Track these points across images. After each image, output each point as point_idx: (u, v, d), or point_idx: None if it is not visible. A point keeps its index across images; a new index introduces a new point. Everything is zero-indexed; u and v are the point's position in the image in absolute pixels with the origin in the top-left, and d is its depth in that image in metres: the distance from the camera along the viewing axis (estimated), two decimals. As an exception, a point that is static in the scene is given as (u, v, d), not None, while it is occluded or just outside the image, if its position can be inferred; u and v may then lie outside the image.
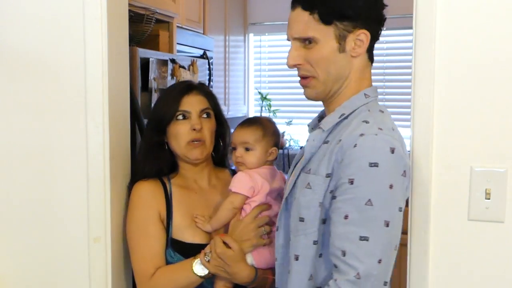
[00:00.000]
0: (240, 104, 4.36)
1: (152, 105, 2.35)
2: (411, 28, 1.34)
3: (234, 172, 1.71)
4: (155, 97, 2.27)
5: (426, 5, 1.31)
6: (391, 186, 1.19)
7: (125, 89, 1.70)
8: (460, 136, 1.30)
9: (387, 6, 1.34)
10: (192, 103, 1.61)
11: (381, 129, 1.23)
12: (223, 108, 3.49)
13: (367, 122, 1.26)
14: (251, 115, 4.56)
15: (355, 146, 1.21)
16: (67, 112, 1.60)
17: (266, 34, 4.48)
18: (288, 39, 1.35)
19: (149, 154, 1.64)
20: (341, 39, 1.28)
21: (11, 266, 1.69)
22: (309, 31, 1.28)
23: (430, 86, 1.31)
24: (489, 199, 1.29)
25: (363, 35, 1.28)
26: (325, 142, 1.32)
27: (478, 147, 1.29)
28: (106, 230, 1.59)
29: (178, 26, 2.91)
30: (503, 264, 1.30)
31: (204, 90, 1.69)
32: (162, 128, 1.62)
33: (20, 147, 1.65)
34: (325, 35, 1.28)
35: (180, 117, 1.60)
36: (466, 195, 1.30)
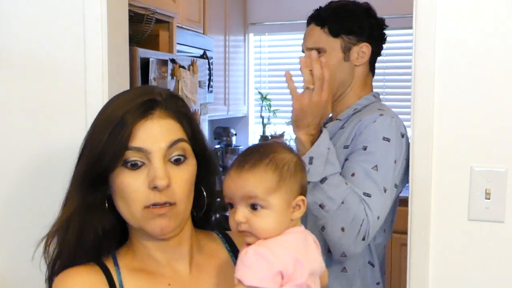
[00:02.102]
0: (240, 104, 4.36)
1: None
2: (411, 28, 1.34)
3: (227, 237, 1.11)
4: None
5: (426, 5, 1.31)
6: (395, 161, 1.40)
7: (125, 89, 1.70)
8: (460, 136, 1.30)
9: (387, 26, 1.62)
10: (153, 136, 0.94)
11: (393, 117, 1.47)
12: (223, 108, 3.45)
13: (382, 110, 1.49)
14: (251, 115, 4.56)
15: (374, 122, 1.43)
16: (67, 112, 1.60)
17: (266, 34, 4.49)
18: (302, 51, 1.61)
19: (80, 224, 0.99)
20: (346, 50, 1.55)
21: (11, 266, 1.69)
22: (320, 42, 1.55)
23: (430, 86, 1.31)
24: (489, 199, 1.29)
25: (365, 48, 1.55)
26: (341, 128, 1.55)
27: (478, 147, 1.29)
28: (106, 230, 1.59)
29: (178, 26, 2.91)
30: (503, 264, 1.30)
31: (174, 107, 0.99)
32: (99, 178, 0.97)
33: (20, 147, 1.65)
34: (333, 46, 1.54)
35: (130, 164, 0.93)
36: (466, 195, 1.30)
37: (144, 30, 2.46)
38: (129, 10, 1.76)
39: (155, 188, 0.92)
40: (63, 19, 1.58)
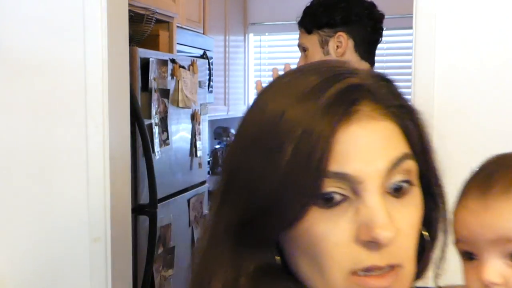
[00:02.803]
0: (240, 104, 4.36)
1: (153, 106, 2.37)
2: (411, 28, 1.34)
3: None
4: (155, 97, 2.27)
5: (426, 5, 1.31)
6: None
7: (125, 89, 1.69)
8: (460, 136, 1.30)
9: (379, 11, 1.56)
10: (365, 151, 0.53)
11: None
12: (223, 108, 3.44)
13: None
14: (251, 115, 4.55)
15: None
16: (67, 112, 1.60)
17: (266, 34, 4.48)
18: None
19: None
20: (324, 44, 1.57)
21: (11, 266, 1.69)
22: (302, 42, 1.63)
23: (430, 86, 1.31)
24: (489, 199, 1.29)
25: (341, 37, 1.54)
26: None
27: (478, 147, 1.29)
28: (106, 230, 1.59)
29: (178, 26, 2.91)
30: (503, 264, 1.30)
31: (389, 97, 0.59)
32: (271, 230, 0.55)
33: (20, 147, 1.65)
34: (312, 43, 1.59)
35: (324, 199, 0.52)
36: (466, 195, 1.30)
37: (144, 30, 2.46)
38: (129, 10, 1.76)
39: (370, 242, 0.52)
40: (63, 19, 1.58)
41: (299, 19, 1.66)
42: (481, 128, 1.29)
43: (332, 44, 1.54)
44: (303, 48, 1.63)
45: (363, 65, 1.54)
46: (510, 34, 1.26)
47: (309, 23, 1.58)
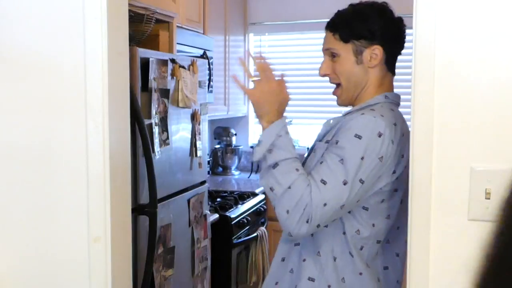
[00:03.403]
0: (240, 104, 4.36)
1: (153, 106, 2.35)
2: (411, 28, 1.34)
3: None
4: (155, 97, 2.27)
5: (426, 5, 1.31)
6: (362, 158, 1.46)
7: (125, 89, 1.69)
8: (460, 136, 1.30)
9: (405, 25, 1.66)
10: None
11: (382, 116, 1.51)
12: (223, 108, 3.48)
13: (373, 110, 1.56)
14: (251, 115, 4.56)
15: (352, 120, 1.52)
16: (67, 112, 1.60)
17: (266, 34, 4.48)
18: (322, 51, 1.68)
19: None
20: (358, 54, 1.61)
21: (11, 266, 1.69)
22: (333, 48, 1.63)
23: (430, 86, 1.31)
24: (489, 199, 1.29)
25: (377, 50, 1.60)
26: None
27: (478, 146, 1.29)
28: (106, 230, 1.59)
29: (178, 26, 2.91)
30: (503, 264, 1.30)
31: None
32: None
33: (20, 147, 1.65)
34: (345, 51, 1.61)
35: None
36: (466, 195, 1.30)
37: (144, 30, 2.46)
38: (129, 10, 1.76)
39: None
40: (63, 19, 1.58)
41: (328, 24, 1.66)
42: (481, 128, 1.29)
43: (366, 55, 1.60)
44: (332, 54, 1.64)
45: (388, 76, 1.68)
46: (511, 34, 1.26)
47: (347, 33, 1.60)
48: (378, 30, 1.60)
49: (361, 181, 1.48)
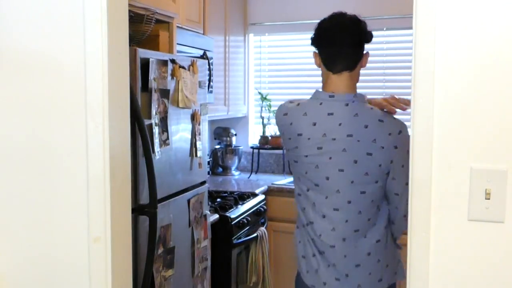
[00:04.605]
0: (240, 104, 4.36)
1: (153, 106, 2.35)
2: (411, 28, 1.34)
3: None
4: (155, 97, 2.27)
5: (426, 5, 1.31)
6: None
7: (125, 89, 1.69)
8: (460, 136, 1.30)
9: (341, 30, 1.94)
10: None
11: (291, 102, 2.03)
12: (223, 108, 3.50)
13: (297, 100, 2.05)
14: (251, 115, 4.56)
15: None
16: (67, 112, 1.60)
17: (266, 34, 4.49)
18: None
19: None
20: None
21: (11, 266, 1.69)
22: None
23: (430, 86, 1.31)
24: (489, 199, 1.29)
25: (314, 54, 2.02)
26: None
27: (478, 147, 1.29)
28: (106, 230, 1.59)
29: (178, 26, 2.91)
30: (503, 264, 1.30)
31: None
32: None
33: (20, 147, 1.65)
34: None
35: None
36: (466, 195, 1.30)
37: (144, 30, 2.46)
38: (129, 10, 1.76)
39: None
40: (63, 19, 1.58)
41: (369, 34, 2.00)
42: (481, 128, 1.29)
43: (365, 59, 2.00)
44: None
45: (327, 75, 1.99)
46: (511, 35, 1.26)
47: (369, 37, 2.00)
48: (314, 38, 2.00)
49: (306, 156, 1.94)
